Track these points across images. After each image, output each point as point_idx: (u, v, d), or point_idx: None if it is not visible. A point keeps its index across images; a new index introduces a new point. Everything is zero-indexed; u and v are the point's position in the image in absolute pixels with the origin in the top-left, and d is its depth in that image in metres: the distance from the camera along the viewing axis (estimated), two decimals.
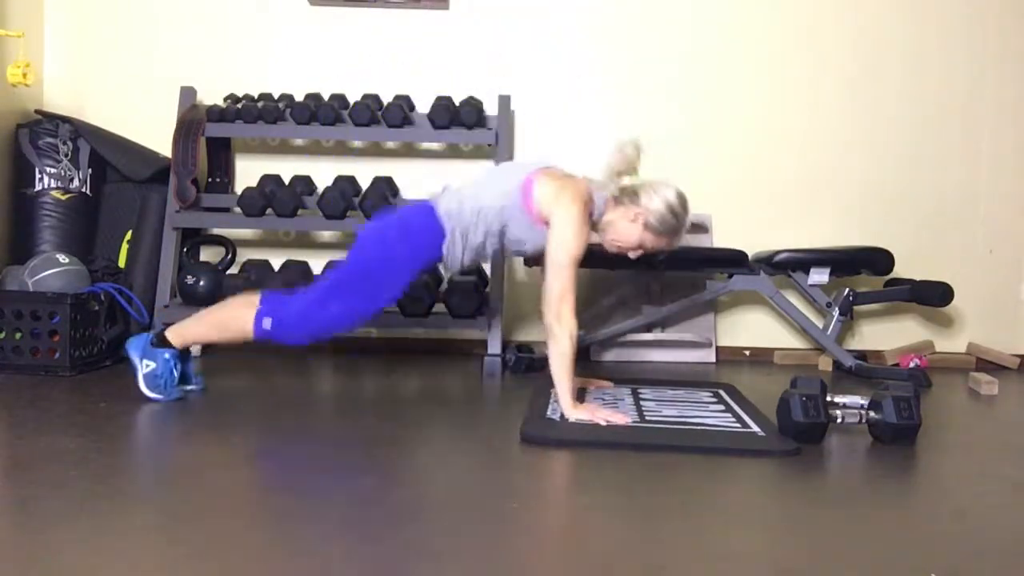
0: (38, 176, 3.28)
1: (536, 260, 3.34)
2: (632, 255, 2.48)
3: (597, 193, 2.42)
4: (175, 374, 2.41)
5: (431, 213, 2.39)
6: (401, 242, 2.39)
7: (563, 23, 3.66)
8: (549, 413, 2.34)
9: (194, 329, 2.44)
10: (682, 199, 2.41)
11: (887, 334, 3.65)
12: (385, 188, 3.34)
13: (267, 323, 2.34)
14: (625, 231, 2.41)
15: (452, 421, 2.43)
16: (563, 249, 2.29)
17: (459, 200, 2.40)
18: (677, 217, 2.39)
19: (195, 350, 3.24)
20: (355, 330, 2.65)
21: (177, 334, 2.42)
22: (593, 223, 2.43)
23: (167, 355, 2.39)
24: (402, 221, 2.43)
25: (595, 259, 3.36)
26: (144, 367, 2.39)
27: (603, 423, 2.20)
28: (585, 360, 3.45)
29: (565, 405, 2.27)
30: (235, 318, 2.39)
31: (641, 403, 2.52)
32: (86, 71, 3.65)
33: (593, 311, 3.49)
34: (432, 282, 3.26)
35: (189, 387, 2.54)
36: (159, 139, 3.46)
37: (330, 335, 2.46)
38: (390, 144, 3.65)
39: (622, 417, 2.23)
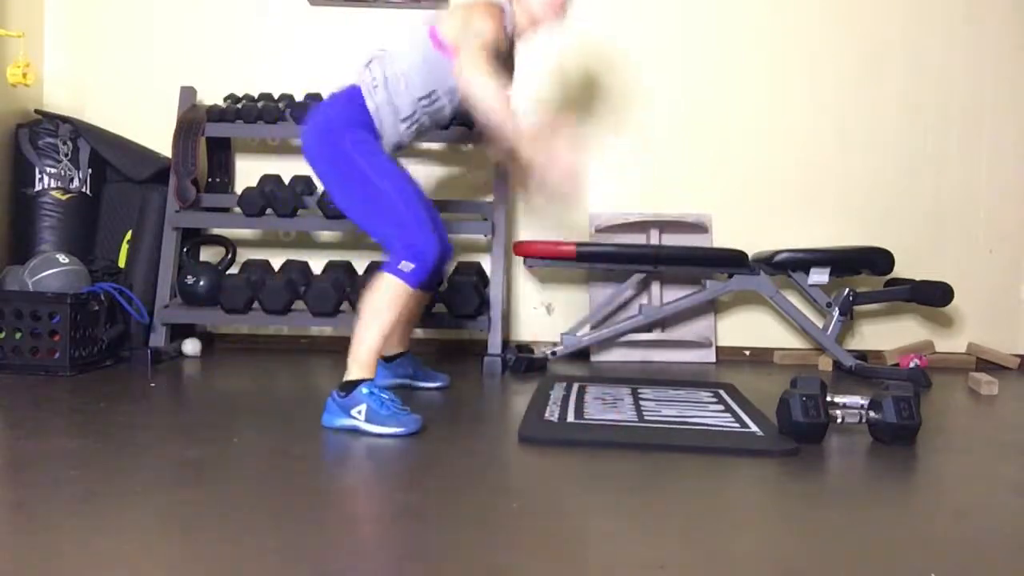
0: (38, 176, 3.28)
1: (535, 259, 3.35)
2: (558, 15, 2.49)
3: (504, 5, 2.40)
4: (387, 398, 2.16)
5: (354, 95, 2.35)
6: (342, 141, 2.31)
7: (562, 23, 3.65)
8: (548, 414, 2.34)
9: (362, 345, 2.20)
10: None
11: (887, 334, 3.65)
12: None
13: (405, 266, 2.20)
14: (538, 3, 2.44)
15: (452, 421, 2.43)
16: (472, 37, 2.22)
17: (377, 66, 2.36)
18: None
19: (192, 349, 3.25)
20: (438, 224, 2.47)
21: (355, 365, 2.19)
22: (514, 31, 2.43)
23: (364, 389, 2.14)
24: (331, 117, 2.36)
25: (595, 259, 3.39)
26: (358, 417, 2.13)
27: (561, 170, 2.13)
28: (585, 360, 3.45)
29: (521, 141, 2.19)
30: (381, 292, 2.21)
31: (641, 403, 2.52)
32: (86, 71, 3.65)
33: (593, 311, 3.49)
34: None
35: (435, 384, 2.67)
36: (159, 139, 3.46)
37: (436, 238, 2.29)
38: None
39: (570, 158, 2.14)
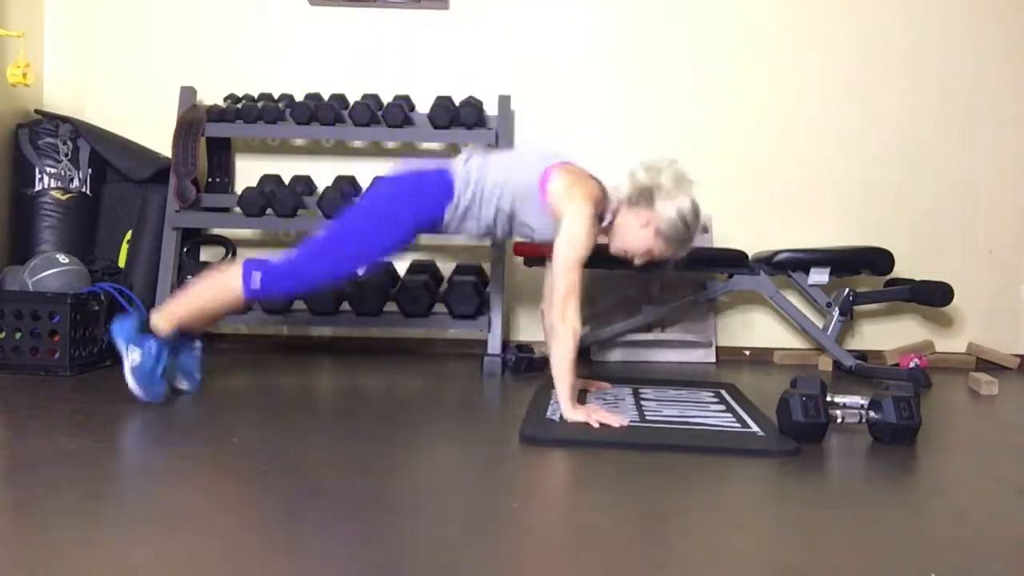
0: (38, 176, 3.28)
1: (534, 260, 3.35)
2: (638, 261, 2.47)
3: (611, 195, 2.42)
4: (159, 368, 2.29)
5: (446, 179, 2.42)
6: (410, 199, 2.41)
7: (563, 23, 3.66)
8: (549, 413, 2.34)
9: (181, 306, 2.34)
10: (695, 208, 2.38)
11: (887, 334, 3.65)
12: None
13: (256, 279, 2.30)
14: (634, 236, 2.40)
15: (452, 421, 2.43)
16: (571, 247, 2.29)
17: (481, 167, 2.42)
18: (688, 226, 2.37)
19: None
20: (340, 283, 2.66)
21: (163, 317, 2.33)
22: (604, 226, 2.43)
23: (153, 345, 2.28)
24: (416, 182, 2.45)
25: (595, 259, 3.37)
26: (129, 357, 2.27)
27: (597, 425, 2.20)
28: (585, 360, 3.45)
29: (565, 406, 2.27)
30: (222, 283, 2.34)
31: (642, 403, 2.52)
32: (86, 71, 3.65)
33: (593, 311, 3.49)
34: (432, 282, 3.26)
35: (184, 386, 2.47)
36: (159, 139, 3.46)
37: (319, 286, 2.45)
38: (390, 144, 3.65)
39: (619, 419, 2.23)
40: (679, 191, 2.36)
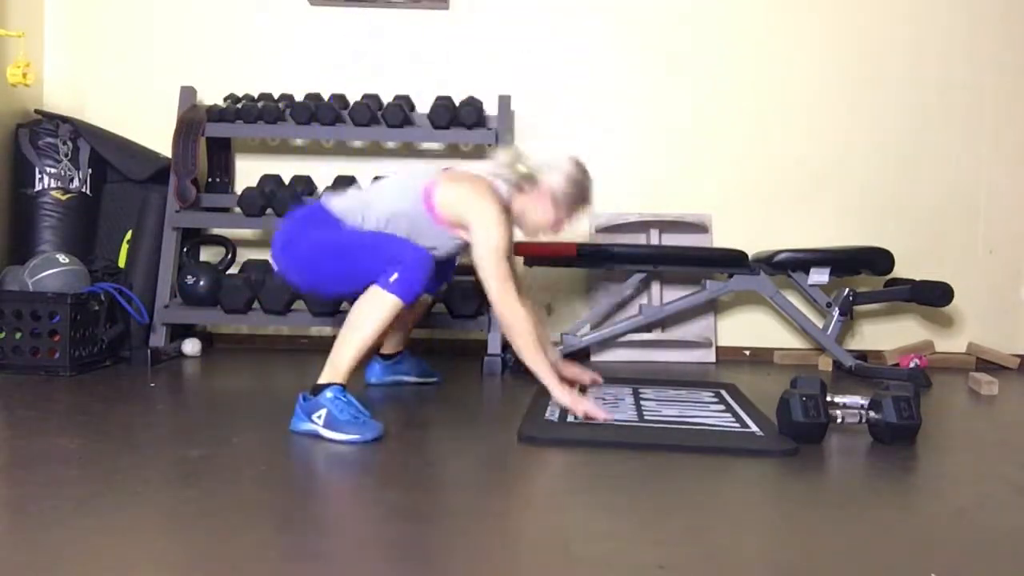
0: (38, 176, 3.28)
1: (535, 260, 3.35)
2: (554, 232, 2.49)
3: (500, 184, 2.41)
4: (352, 404, 2.11)
5: (322, 211, 2.35)
6: (301, 238, 2.32)
7: (563, 23, 3.66)
8: (548, 414, 2.34)
9: (339, 354, 2.18)
10: (579, 166, 2.44)
11: (887, 334, 3.65)
12: None
13: (393, 277, 2.16)
14: (539, 214, 2.44)
15: (451, 421, 2.43)
16: (486, 247, 2.29)
17: (363, 205, 2.35)
18: (580, 184, 2.43)
19: (192, 349, 3.26)
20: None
21: (330, 369, 2.18)
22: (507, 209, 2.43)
23: (328, 394, 2.10)
24: (298, 229, 2.35)
25: (595, 258, 3.39)
26: (318, 422, 2.08)
27: (580, 415, 2.21)
28: (585, 360, 3.45)
29: (550, 386, 2.29)
30: (368, 302, 2.18)
31: (642, 403, 2.52)
32: (86, 71, 3.65)
33: (593, 311, 3.49)
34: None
35: (430, 380, 2.75)
36: (159, 139, 3.46)
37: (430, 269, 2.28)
38: (390, 144, 3.65)
39: (602, 414, 2.24)
40: (554, 159, 2.42)
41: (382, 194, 2.41)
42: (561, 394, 2.28)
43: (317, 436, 2.07)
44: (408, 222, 2.34)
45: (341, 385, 2.13)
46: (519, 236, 2.59)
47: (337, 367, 2.16)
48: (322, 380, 2.15)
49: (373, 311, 2.18)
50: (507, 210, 2.40)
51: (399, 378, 2.81)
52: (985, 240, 3.68)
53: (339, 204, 2.37)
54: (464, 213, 2.32)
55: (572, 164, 2.43)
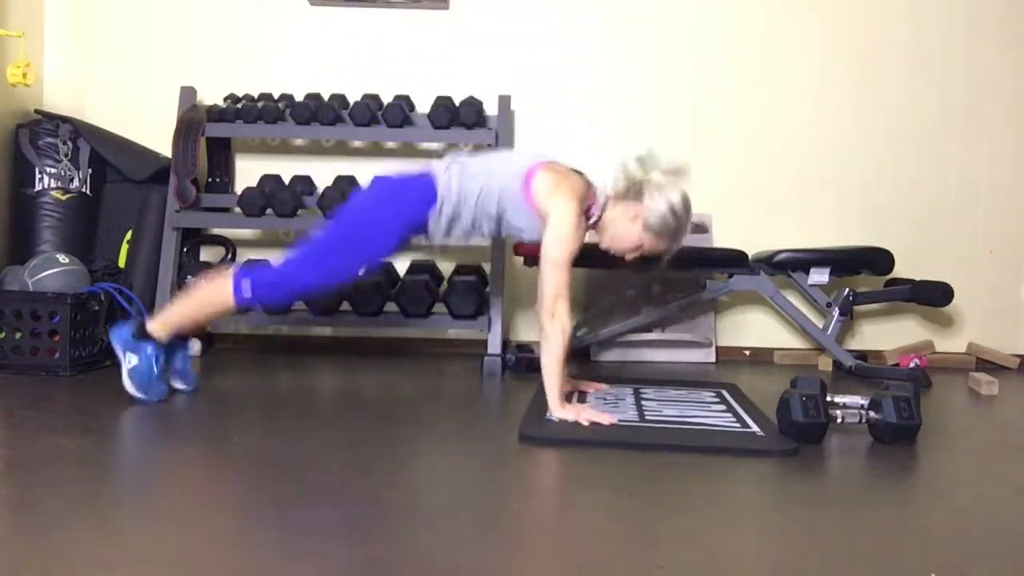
0: (38, 176, 3.28)
1: (535, 260, 3.35)
2: (629, 257, 2.45)
3: (598, 191, 2.41)
4: (156, 370, 2.35)
5: (427, 181, 2.40)
6: (390, 203, 2.41)
7: (563, 23, 3.66)
8: (549, 414, 2.34)
9: (175, 313, 2.39)
10: (686, 201, 2.35)
11: (887, 334, 3.65)
12: None
13: (246, 286, 2.33)
14: (624, 231, 2.38)
15: (452, 421, 2.43)
16: (558, 246, 2.28)
17: (461, 175, 2.40)
18: (678, 219, 2.34)
19: (195, 349, 3.26)
20: (331, 291, 2.65)
21: (159, 323, 2.37)
22: (592, 223, 2.42)
23: (149, 349, 2.34)
24: (396, 185, 2.44)
25: (595, 259, 3.38)
26: (127, 362, 2.34)
27: (586, 423, 2.20)
28: (585, 360, 3.45)
29: (553, 403, 2.28)
30: (213, 291, 2.38)
31: (642, 403, 2.52)
32: (86, 71, 3.65)
33: (593, 311, 3.49)
34: (432, 282, 3.26)
35: (181, 385, 2.51)
36: (159, 139, 3.46)
37: (310, 295, 2.51)
38: (390, 144, 3.65)
39: (607, 417, 2.23)
40: (670, 184, 2.33)
41: (485, 163, 2.45)
42: (562, 412, 2.25)
43: (116, 368, 2.36)
44: (500, 196, 2.37)
45: (162, 344, 2.36)
46: (592, 239, 2.50)
47: (164, 321, 2.38)
48: (151, 326, 2.36)
49: (211, 296, 2.39)
50: (590, 218, 2.39)
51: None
52: (985, 240, 3.68)
53: (442, 174, 2.41)
54: (547, 202, 2.31)
55: (680, 197, 2.33)
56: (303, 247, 2.42)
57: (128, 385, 2.34)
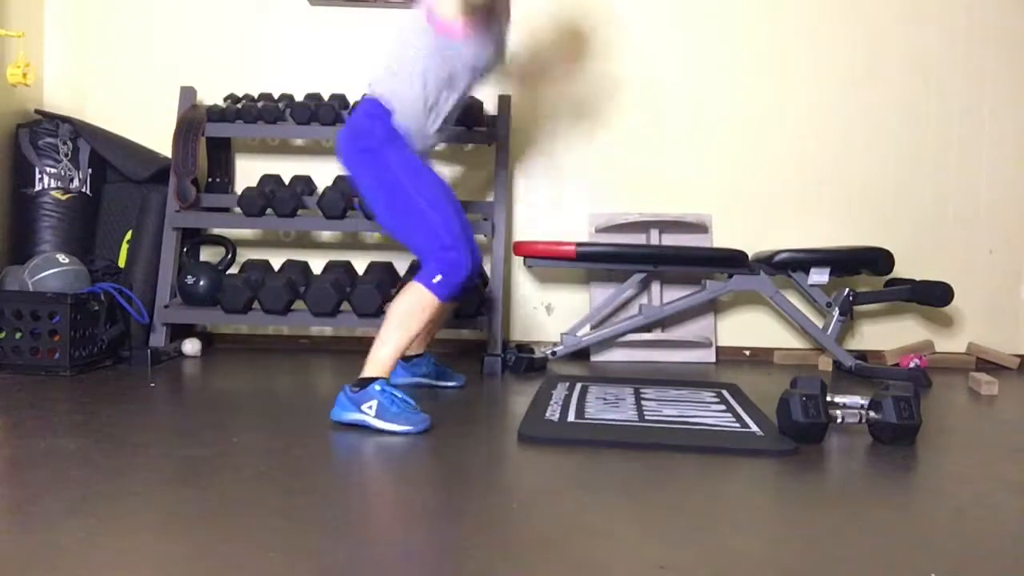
0: (38, 176, 3.28)
1: (535, 260, 3.35)
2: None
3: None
4: (399, 396, 2.19)
5: (375, 106, 2.38)
6: (376, 152, 2.36)
7: (563, 23, 3.66)
8: (548, 414, 2.34)
9: (383, 348, 2.25)
10: None
11: (887, 334, 3.65)
12: None
13: (437, 279, 2.27)
14: None
15: (452, 421, 2.43)
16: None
17: (391, 76, 2.39)
18: None
19: (192, 349, 3.26)
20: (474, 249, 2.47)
21: (373, 364, 2.24)
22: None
23: (376, 386, 2.18)
24: (362, 144, 2.39)
25: (595, 259, 3.39)
26: (368, 412, 2.16)
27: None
28: (585, 360, 3.45)
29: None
30: (410, 301, 2.27)
31: (642, 403, 2.52)
32: (86, 71, 3.65)
33: (593, 311, 3.49)
34: None
35: (451, 383, 2.73)
36: (159, 139, 3.46)
37: (475, 254, 2.41)
38: None
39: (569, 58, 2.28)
40: None
41: (397, 53, 2.42)
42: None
43: (366, 427, 2.15)
44: (435, 59, 2.35)
45: (385, 379, 2.21)
46: None
47: (380, 362, 2.24)
48: (366, 374, 2.22)
49: (415, 310, 2.26)
50: None
51: (418, 380, 2.75)
52: (985, 240, 3.68)
53: (383, 89, 2.39)
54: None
55: None
56: (415, 234, 2.36)
57: (387, 426, 2.15)
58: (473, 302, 3.17)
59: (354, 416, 2.17)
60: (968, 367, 3.50)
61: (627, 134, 3.64)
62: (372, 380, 2.19)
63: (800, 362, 3.56)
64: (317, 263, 3.45)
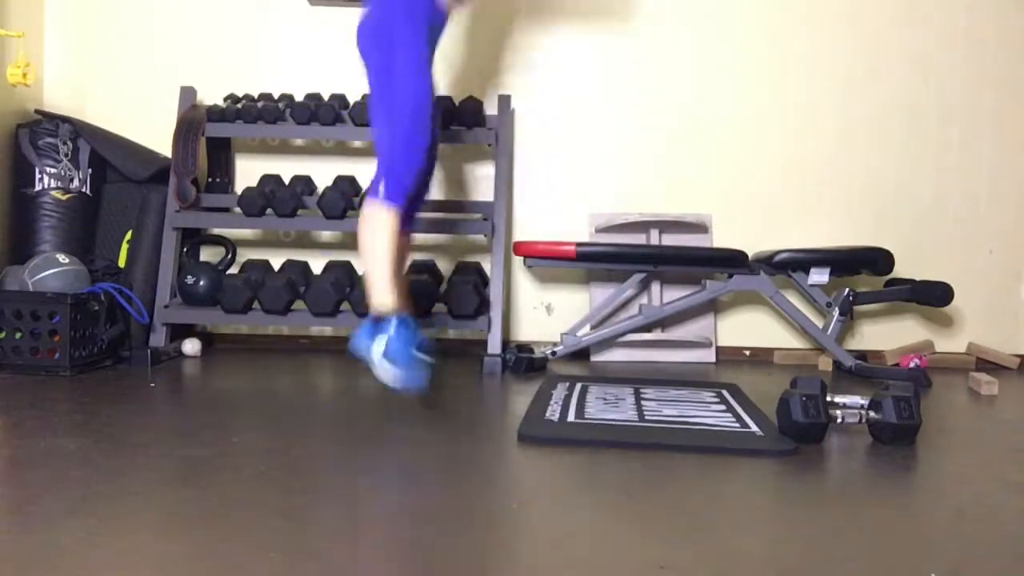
0: (38, 176, 3.28)
1: (535, 259, 3.35)
2: None
3: None
4: (409, 344, 2.15)
5: None
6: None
7: (563, 23, 3.66)
8: (548, 414, 2.34)
9: (381, 275, 2.25)
10: None
11: (887, 334, 3.64)
12: None
13: (381, 190, 2.28)
14: None
15: (451, 421, 2.43)
16: None
17: None
18: None
19: (192, 349, 3.25)
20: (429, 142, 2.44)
21: (380, 292, 2.23)
22: None
23: (388, 324, 2.17)
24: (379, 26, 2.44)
25: (595, 259, 3.39)
26: (377, 346, 2.16)
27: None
28: (585, 360, 3.45)
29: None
30: (371, 223, 2.30)
31: (642, 403, 2.53)
32: (86, 71, 3.65)
33: (593, 311, 3.49)
34: (432, 282, 3.26)
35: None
36: (159, 139, 3.46)
37: (422, 152, 2.35)
38: None
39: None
40: None
41: None
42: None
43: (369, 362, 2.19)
44: None
45: (399, 312, 2.21)
46: None
47: (384, 289, 2.27)
48: (379, 302, 2.25)
49: (379, 226, 2.29)
50: None
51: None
52: (985, 240, 3.68)
53: None
54: None
55: None
56: (376, 130, 2.38)
57: (385, 373, 2.16)
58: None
59: (364, 354, 2.21)
60: (968, 367, 3.50)
61: (627, 134, 3.64)
62: (387, 316, 2.20)
63: (800, 362, 3.56)
64: (317, 263, 3.45)
